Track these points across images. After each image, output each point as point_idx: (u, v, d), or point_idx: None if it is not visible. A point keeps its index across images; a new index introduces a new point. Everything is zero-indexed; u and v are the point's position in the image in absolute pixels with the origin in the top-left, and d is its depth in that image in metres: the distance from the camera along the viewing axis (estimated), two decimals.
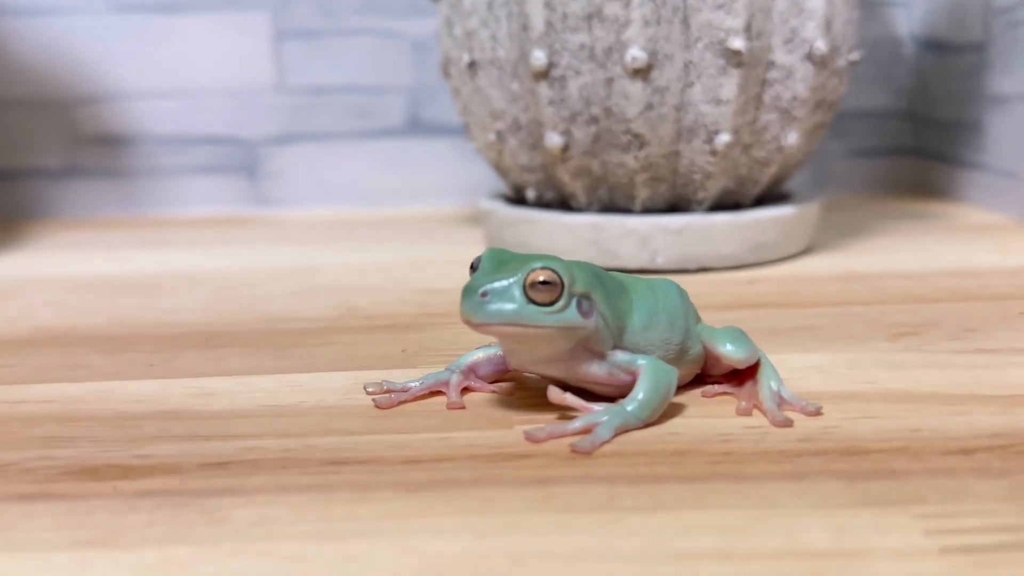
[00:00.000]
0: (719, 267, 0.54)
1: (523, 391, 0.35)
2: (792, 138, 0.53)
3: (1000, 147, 0.70)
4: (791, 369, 0.37)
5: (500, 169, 0.58)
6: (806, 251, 0.58)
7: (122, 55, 0.80)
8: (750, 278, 0.52)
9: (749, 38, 0.50)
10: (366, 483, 0.28)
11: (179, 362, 0.40)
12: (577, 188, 0.54)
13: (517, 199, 0.60)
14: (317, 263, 0.60)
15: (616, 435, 0.31)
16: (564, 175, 0.53)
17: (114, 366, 0.40)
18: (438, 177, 0.82)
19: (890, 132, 0.84)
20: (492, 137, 0.55)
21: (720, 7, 0.49)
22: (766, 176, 0.55)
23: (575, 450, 0.30)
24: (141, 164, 0.81)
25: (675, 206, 0.54)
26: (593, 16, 0.50)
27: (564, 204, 0.56)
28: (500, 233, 0.57)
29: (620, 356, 0.32)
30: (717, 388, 0.35)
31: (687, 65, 0.50)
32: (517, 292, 0.31)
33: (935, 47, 0.79)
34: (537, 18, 0.50)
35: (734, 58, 0.50)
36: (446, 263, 0.59)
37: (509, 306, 0.31)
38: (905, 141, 0.84)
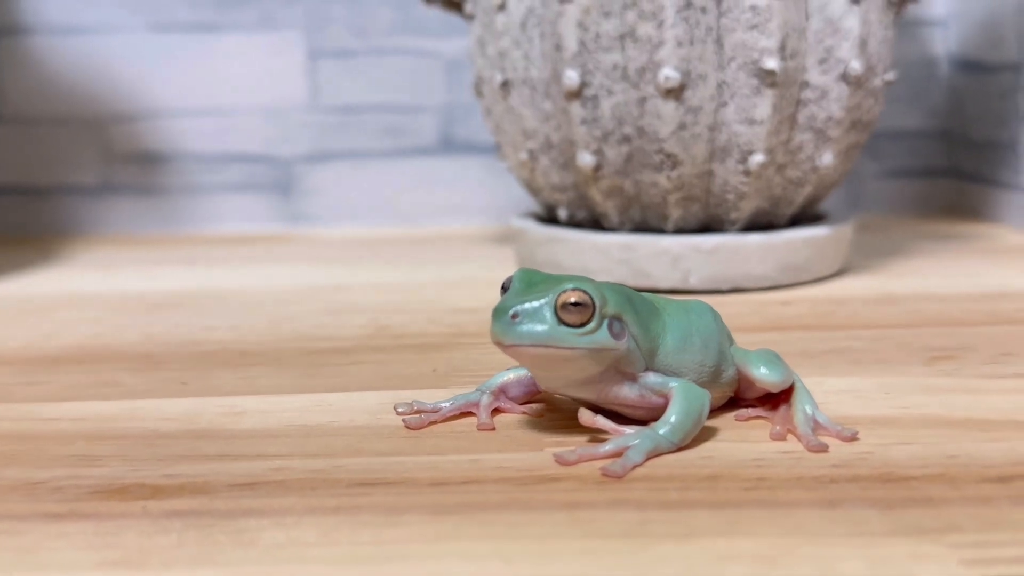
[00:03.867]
0: (752, 288, 0.53)
1: (554, 412, 0.35)
2: (827, 158, 0.53)
3: None
4: (825, 393, 0.36)
5: (532, 188, 0.58)
6: (840, 272, 0.58)
7: (158, 73, 0.81)
8: (783, 299, 0.52)
9: (783, 58, 0.49)
10: (394, 505, 0.28)
11: (211, 380, 0.40)
12: (609, 208, 0.54)
13: (549, 218, 0.60)
14: (348, 281, 0.60)
15: (648, 459, 0.30)
16: (596, 195, 0.53)
17: (146, 384, 0.40)
18: (470, 196, 0.82)
19: (924, 152, 0.83)
20: (524, 156, 0.55)
21: (754, 27, 0.49)
22: (800, 196, 0.54)
23: (606, 473, 0.29)
24: (176, 182, 0.82)
25: (707, 226, 0.54)
26: (626, 36, 0.49)
27: (596, 223, 0.56)
28: (532, 252, 0.57)
29: (652, 378, 0.32)
30: (750, 412, 0.34)
31: (720, 85, 0.50)
32: (548, 313, 0.31)
33: (970, 67, 0.79)
34: (570, 38, 0.50)
35: (768, 78, 0.49)
36: (477, 282, 0.59)
37: (540, 327, 0.30)
38: (940, 161, 0.83)
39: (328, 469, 0.31)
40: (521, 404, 0.35)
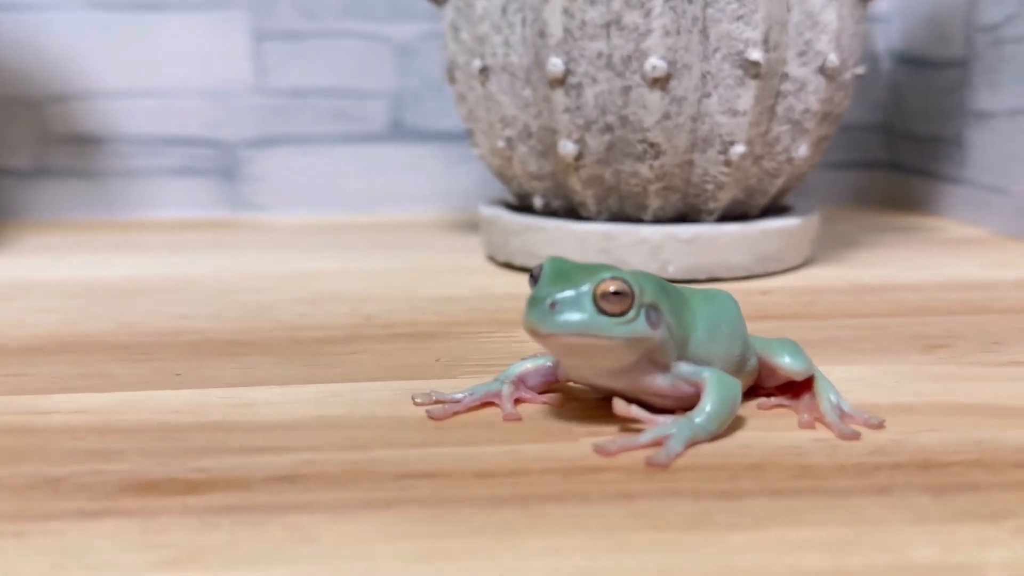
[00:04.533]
0: (728, 277, 0.54)
1: (574, 402, 0.35)
2: (802, 150, 0.54)
3: (983, 162, 0.71)
4: (835, 381, 0.37)
5: (504, 176, 0.58)
6: (807, 263, 0.58)
7: (96, 53, 0.78)
8: (761, 288, 0.52)
9: (767, 50, 0.50)
10: (447, 498, 0.27)
11: (206, 371, 0.39)
12: (588, 197, 0.54)
13: (521, 207, 0.59)
14: (314, 269, 0.59)
15: (687, 448, 0.30)
16: (576, 183, 0.53)
17: (138, 374, 0.39)
18: (421, 183, 0.81)
19: (864, 145, 0.85)
20: (501, 144, 0.55)
21: (739, 18, 0.49)
22: (774, 187, 0.55)
23: (651, 463, 0.29)
24: (114, 165, 0.79)
25: (684, 216, 0.54)
26: (612, 24, 0.49)
27: (571, 212, 0.56)
28: (505, 240, 0.57)
29: (684, 368, 0.32)
30: (772, 400, 0.34)
31: (705, 75, 0.50)
32: (587, 302, 0.30)
33: (913, 62, 0.81)
34: (555, 25, 0.50)
35: (752, 69, 0.50)
36: (450, 271, 0.58)
37: (579, 317, 0.30)
38: (880, 155, 0.86)
39: (364, 462, 0.30)
40: (540, 394, 0.35)
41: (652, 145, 0.51)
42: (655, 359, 0.32)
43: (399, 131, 0.81)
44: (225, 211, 0.80)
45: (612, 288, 0.30)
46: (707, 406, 0.31)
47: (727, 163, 0.52)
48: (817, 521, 0.26)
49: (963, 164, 0.74)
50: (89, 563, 0.24)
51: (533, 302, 0.31)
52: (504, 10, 0.52)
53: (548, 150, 0.53)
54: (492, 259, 0.60)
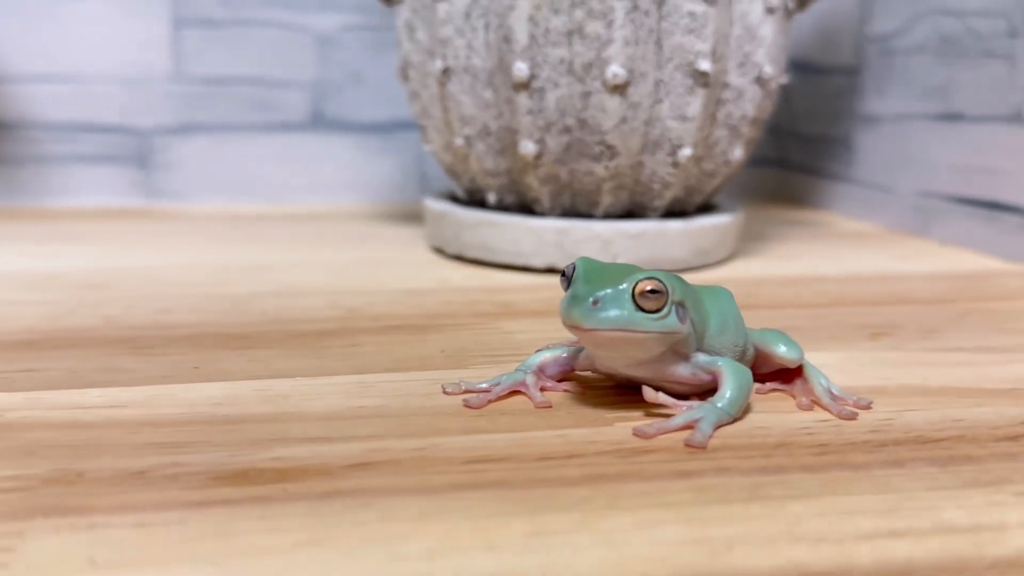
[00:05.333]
0: (670, 270, 0.58)
1: (592, 390, 0.38)
2: (738, 153, 0.58)
3: (870, 162, 0.78)
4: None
5: (456, 172, 0.60)
6: (733, 256, 0.63)
7: (9, 35, 0.76)
8: (701, 280, 0.57)
9: (714, 61, 0.54)
10: (523, 480, 0.30)
11: (221, 364, 0.40)
12: (543, 193, 0.57)
13: (470, 201, 0.62)
14: (267, 262, 0.60)
15: (715, 430, 0.34)
16: (533, 181, 0.56)
17: (155, 368, 0.40)
18: (340, 174, 0.83)
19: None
20: (459, 141, 0.57)
21: (691, 32, 0.53)
22: (710, 187, 0.59)
23: (690, 444, 0.33)
24: (24, 151, 0.77)
25: (631, 212, 0.58)
26: (574, 33, 0.52)
27: (524, 208, 0.59)
28: (457, 234, 0.59)
29: (702, 358, 0.36)
30: (768, 386, 0.38)
31: (658, 83, 0.54)
32: (627, 300, 0.33)
33: (803, 68, 0.87)
34: (521, 32, 0.53)
35: (701, 79, 0.54)
36: (403, 263, 0.60)
37: (620, 313, 0.33)
38: (768, 153, 0.92)
39: (429, 448, 0.32)
40: (558, 382, 0.38)
41: (609, 147, 0.54)
42: (678, 350, 0.35)
43: (319, 122, 0.82)
44: (139, 199, 0.80)
45: (649, 287, 0.33)
46: (727, 392, 0.35)
47: (674, 164, 0.56)
48: (854, 491, 0.30)
49: (851, 163, 0.80)
50: (238, 547, 0.25)
51: (575, 300, 0.34)
52: (467, 15, 0.55)
53: (506, 149, 0.56)
54: (440, 251, 0.62)
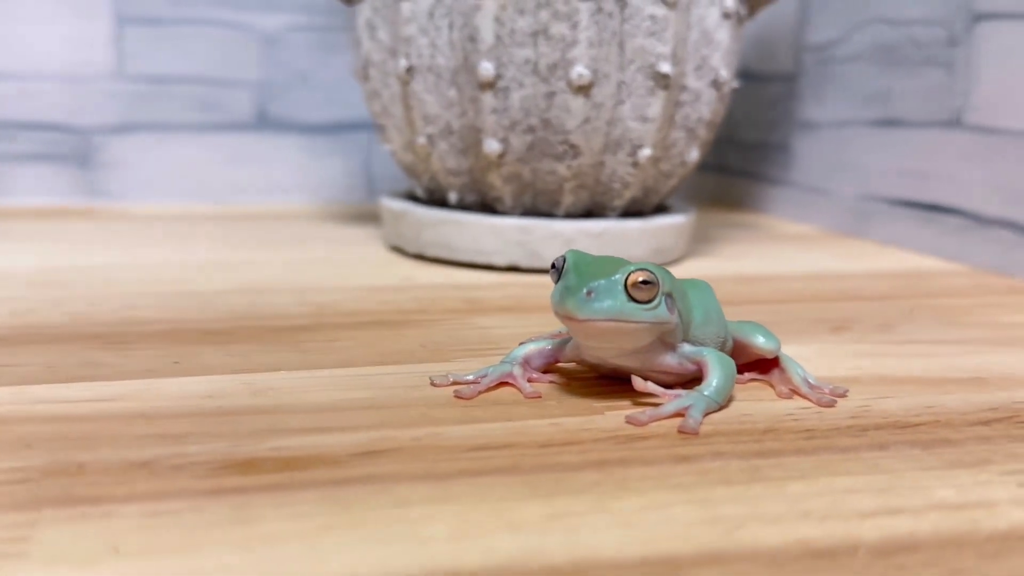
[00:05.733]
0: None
1: (576, 381, 0.39)
2: (693, 154, 0.59)
3: (808, 166, 0.80)
4: None
5: (415, 171, 0.60)
6: (685, 256, 0.65)
7: None
8: None
9: (674, 64, 0.55)
10: (530, 465, 0.30)
11: (200, 359, 0.40)
12: (506, 192, 0.57)
13: (429, 200, 0.62)
14: (224, 260, 0.59)
15: (704, 417, 0.35)
16: (496, 179, 0.57)
17: (135, 363, 0.39)
18: (285, 174, 0.82)
19: None
20: (421, 140, 0.57)
21: (652, 34, 0.54)
22: (667, 188, 0.61)
23: (683, 430, 0.33)
24: None
25: (591, 212, 0.59)
26: (539, 34, 0.53)
27: (485, 207, 0.59)
28: (418, 233, 0.59)
29: (688, 348, 0.37)
30: (746, 376, 0.39)
31: (620, 85, 0.55)
32: (620, 291, 0.34)
33: (741, 76, 0.89)
34: (487, 31, 0.53)
35: (661, 81, 0.55)
36: (370, 262, 0.60)
37: (613, 303, 0.34)
38: (708, 158, 0.94)
39: (429, 436, 0.32)
40: (543, 373, 0.39)
41: (572, 146, 0.55)
42: (666, 340, 0.36)
43: (264, 122, 0.81)
44: (80, 199, 0.78)
45: (642, 278, 0.34)
46: (713, 380, 0.36)
47: (634, 164, 0.57)
48: (848, 472, 0.31)
49: (789, 168, 0.83)
50: (262, 532, 0.25)
51: (569, 291, 0.34)
52: (431, 14, 0.55)
53: (469, 148, 0.56)
54: (399, 250, 0.62)
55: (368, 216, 0.78)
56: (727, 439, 0.33)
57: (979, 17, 0.63)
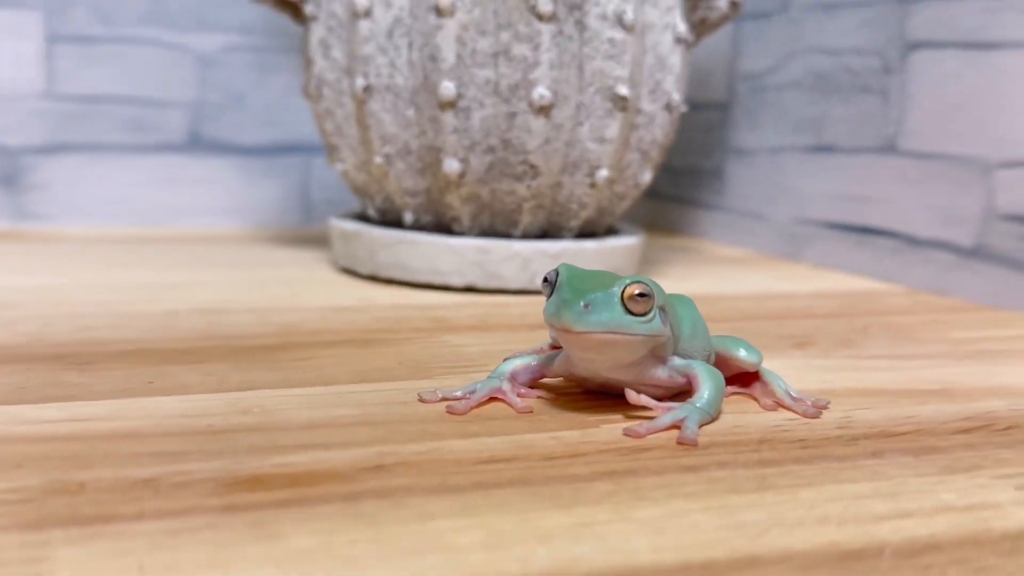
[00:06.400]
0: None
1: (564, 396, 0.39)
2: (647, 176, 0.60)
3: (741, 192, 0.82)
4: None
5: (368, 192, 0.60)
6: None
7: None
8: None
9: (631, 86, 0.56)
10: (539, 478, 0.30)
11: (175, 378, 0.39)
12: (464, 213, 0.57)
13: (382, 221, 0.61)
14: (171, 281, 0.58)
15: (699, 428, 0.35)
16: (454, 200, 0.56)
17: (108, 383, 0.38)
18: (219, 197, 0.80)
19: None
20: (378, 160, 0.57)
21: (611, 57, 0.55)
22: (620, 209, 0.61)
23: (682, 441, 0.34)
24: None
25: (546, 232, 0.59)
26: (500, 54, 0.53)
27: (440, 228, 0.59)
28: (372, 254, 0.59)
29: (678, 361, 0.37)
30: (729, 389, 0.40)
31: (579, 106, 0.55)
32: (616, 303, 0.34)
33: None
34: (448, 51, 0.53)
35: (620, 103, 0.56)
36: (324, 283, 0.59)
37: (610, 316, 0.34)
38: None
39: (434, 451, 0.32)
40: (530, 388, 0.39)
41: (531, 167, 0.55)
42: (657, 353, 0.36)
43: (197, 144, 0.79)
44: (5, 221, 0.75)
45: (637, 291, 0.34)
46: (705, 393, 0.36)
47: (592, 185, 0.57)
48: (851, 479, 0.31)
49: (722, 193, 0.84)
50: (289, 548, 0.25)
51: (565, 304, 0.34)
52: (391, 33, 0.55)
53: (428, 168, 0.56)
54: (351, 272, 0.62)
55: (308, 239, 0.76)
56: (725, 450, 0.33)
57: (913, 46, 0.65)
